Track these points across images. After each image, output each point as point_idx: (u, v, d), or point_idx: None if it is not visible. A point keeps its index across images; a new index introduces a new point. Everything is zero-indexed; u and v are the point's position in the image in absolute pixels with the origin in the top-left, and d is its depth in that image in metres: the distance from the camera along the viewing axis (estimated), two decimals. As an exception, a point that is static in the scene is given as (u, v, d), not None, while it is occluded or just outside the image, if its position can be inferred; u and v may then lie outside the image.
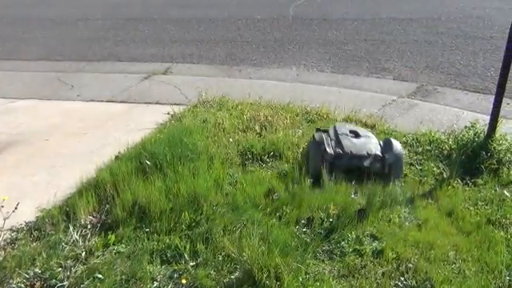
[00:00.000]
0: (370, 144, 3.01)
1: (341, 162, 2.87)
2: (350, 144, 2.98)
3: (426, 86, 5.37)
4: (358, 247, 2.56)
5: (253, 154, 3.53)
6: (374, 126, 4.14)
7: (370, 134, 3.18)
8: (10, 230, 2.69)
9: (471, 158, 3.39)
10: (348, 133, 3.10)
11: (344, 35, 7.40)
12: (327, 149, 2.90)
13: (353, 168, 2.88)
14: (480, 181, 3.24)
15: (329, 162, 2.87)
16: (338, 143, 2.97)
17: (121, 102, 5.27)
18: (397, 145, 3.03)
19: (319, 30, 7.74)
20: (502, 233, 2.71)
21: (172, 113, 4.51)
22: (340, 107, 4.48)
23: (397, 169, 2.93)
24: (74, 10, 10.46)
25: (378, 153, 2.95)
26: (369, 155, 2.92)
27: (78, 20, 9.47)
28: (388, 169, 2.94)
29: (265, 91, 4.94)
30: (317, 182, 2.92)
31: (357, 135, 3.10)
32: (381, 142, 3.09)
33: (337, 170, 2.85)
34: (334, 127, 3.17)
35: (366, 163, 2.88)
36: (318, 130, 3.22)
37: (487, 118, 3.51)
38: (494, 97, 3.39)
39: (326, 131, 3.13)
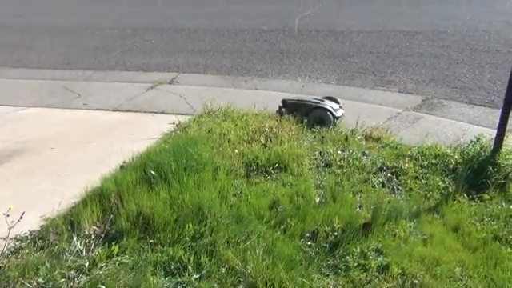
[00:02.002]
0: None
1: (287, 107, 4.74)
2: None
3: (431, 99, 5.36)
4: (362, 262, 2.53)
5: (258, 166, 3.52)
6: (380, 138, 4.13)
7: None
8: (15, 238, 2.69)
9: (477, 173, 3.37)
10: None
11: (349, 47, 7.43)
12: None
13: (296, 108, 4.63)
14: (486, 196, 3.21)
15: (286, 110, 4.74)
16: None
17: (127, 111, 5.31)
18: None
19: (325, 42, 7.78)
20: (509, 249, 2.69)
21: (177, 122, 4.52)
22: (344, 119, 4.49)
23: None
24: (82, 19, 10.60)
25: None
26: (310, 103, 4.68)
27: (86, 29, 9.59)
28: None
29: (270, 102, 4.95)
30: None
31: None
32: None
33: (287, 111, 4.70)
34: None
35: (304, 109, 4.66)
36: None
37: (493, 132, 3.49)
38: (500, 111, 3.38)
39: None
